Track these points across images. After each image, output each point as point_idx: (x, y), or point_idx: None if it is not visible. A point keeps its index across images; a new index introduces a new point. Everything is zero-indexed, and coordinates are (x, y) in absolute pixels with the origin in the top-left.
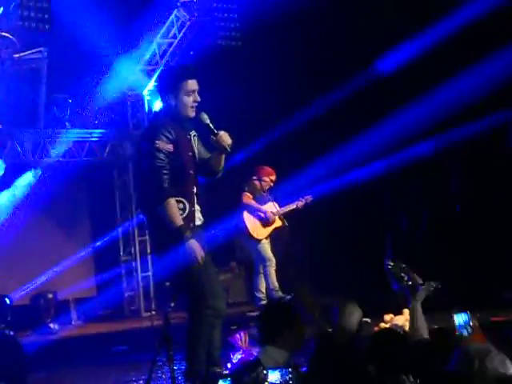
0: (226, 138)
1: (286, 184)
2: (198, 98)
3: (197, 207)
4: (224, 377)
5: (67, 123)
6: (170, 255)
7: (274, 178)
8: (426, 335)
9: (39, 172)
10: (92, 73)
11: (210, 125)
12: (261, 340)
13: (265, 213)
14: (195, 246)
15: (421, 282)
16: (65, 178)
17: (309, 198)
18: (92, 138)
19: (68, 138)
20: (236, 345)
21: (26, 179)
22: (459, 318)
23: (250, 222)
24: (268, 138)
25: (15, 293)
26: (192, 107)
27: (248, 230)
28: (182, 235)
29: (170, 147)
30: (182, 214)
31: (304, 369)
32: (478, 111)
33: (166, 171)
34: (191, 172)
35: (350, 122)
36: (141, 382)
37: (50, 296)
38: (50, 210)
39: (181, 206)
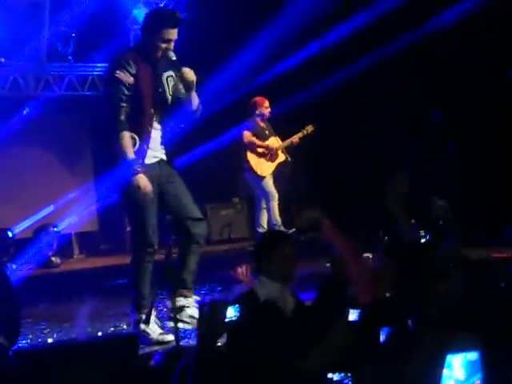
0: (190, 74)
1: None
2: (171, 48)
3: (153, 146)
4: (230, 304)
5: (70, 57)
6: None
7: (267, 103)
8: None
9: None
10: (95, 6)
11: (175, 62)
12: (256, 271)
13: (267, 147)
14: (142, 180)
15: None
16: (67, 112)
17: (310, 128)
18: (95, 72)
19: (71, 72)
20: (237, 278)
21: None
22: None
23: (254, 159)
24: (272, 74)
25: (17, 226)
26: (160, 51)
27: (252, 168)
28: (131, 168)
29: (130, 80)
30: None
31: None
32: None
33: (124, 104)
34: (151, 110)
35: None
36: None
37: (52, 229)
38: (53, 144)
39: (132, 141)
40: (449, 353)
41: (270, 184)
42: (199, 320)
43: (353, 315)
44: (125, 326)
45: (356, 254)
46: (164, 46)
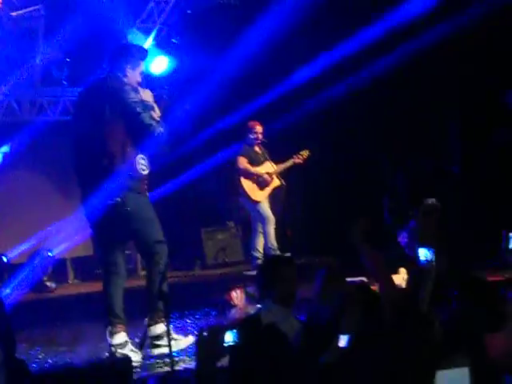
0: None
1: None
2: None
3: None
4: (229, 329)
5: (64, 81)
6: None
7: (259, 128)
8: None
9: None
10: (89, 31)
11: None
12: (259, 295)
13: (261, 176)
14: None
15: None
16: (62, 137)
17: (305, 153)
18: None
19: (65, 96)
20: (231, 302)
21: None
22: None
23: (248, 185)
24: (266, 97)
25: (12, 251)
26: (136, 84)
27: (246, 193)
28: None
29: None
30: (144, 171)
31: (302, 318)
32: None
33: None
34: None
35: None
36: (136, 339)
37: (47, 254)
38: (47, 169)
39: (144, 162)
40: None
41: (265, 208)
42: (198, 345)
43: (343, 341)
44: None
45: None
46: (140, 78)
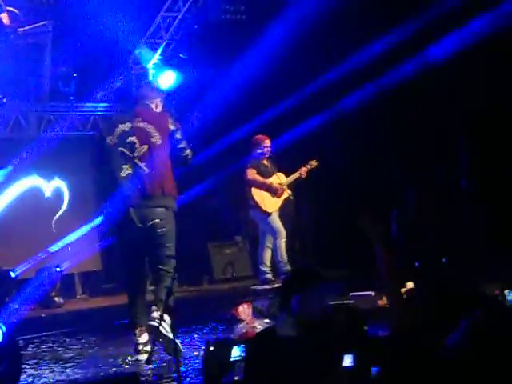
0: None
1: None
2: None
3: None
4: (235, 343)
5: (71, 97)
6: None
7: (267, 142)
8: None
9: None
10: (96, 46)
11: None
12: (279, 307)
13: (270, 185)
14: None
15: None
16: (69, 152)
17: (313, 163)
18: (97, 111)
19: (73, 111)
20: (239, 317)
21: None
22: None
23: (259, 196)
24: (273, 111)
25: (20, 266)
26: None
27: (258, 205)
28: None
29: None
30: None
31: None
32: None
33: None
34: None
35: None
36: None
37: (55, 269)
38: None
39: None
40: None
41: (277, 220)
42: (204, 359)
43: (347, 360)
44: (127, 366)
45: (396, 278)
46: None
